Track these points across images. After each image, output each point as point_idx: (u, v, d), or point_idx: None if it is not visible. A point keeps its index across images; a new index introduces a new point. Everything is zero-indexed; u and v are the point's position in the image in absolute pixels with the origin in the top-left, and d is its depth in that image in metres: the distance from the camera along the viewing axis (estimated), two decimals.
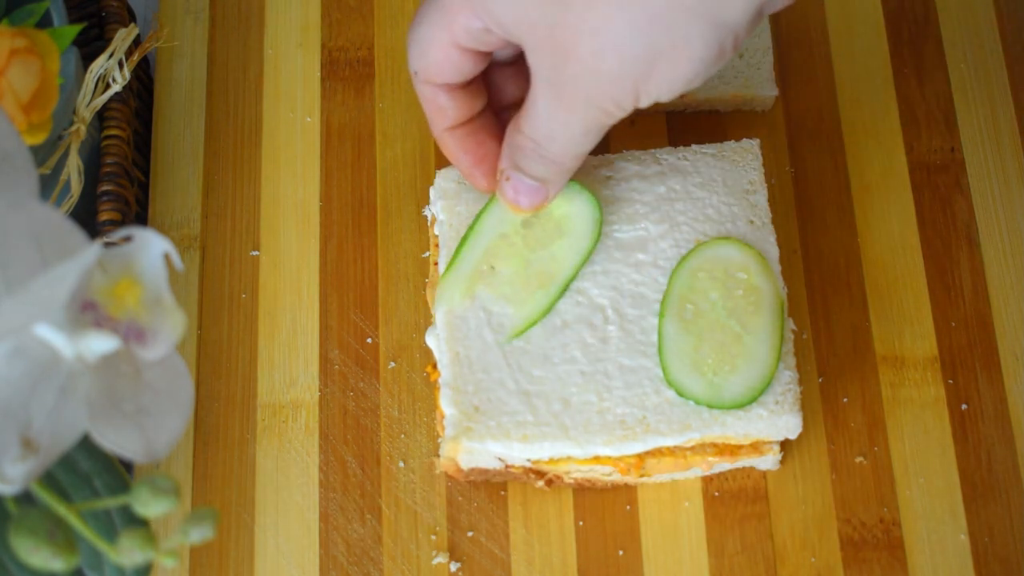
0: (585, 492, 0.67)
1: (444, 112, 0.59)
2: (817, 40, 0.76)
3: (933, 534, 0.65)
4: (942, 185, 0.73)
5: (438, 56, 0.55)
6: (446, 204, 0.66)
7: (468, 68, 0.56)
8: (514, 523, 0.66)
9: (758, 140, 0.67)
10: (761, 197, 0.65)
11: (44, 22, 0.69)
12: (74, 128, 0.69)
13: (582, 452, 0.61)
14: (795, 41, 0.76)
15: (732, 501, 0.66)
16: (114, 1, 0.74)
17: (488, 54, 0.56)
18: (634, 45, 0.49)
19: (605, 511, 0.66)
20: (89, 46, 0.75)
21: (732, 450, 0.63)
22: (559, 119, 0.54)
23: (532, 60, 0.52)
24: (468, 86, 0.58)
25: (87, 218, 0.70)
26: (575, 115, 0.53)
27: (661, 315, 0.62)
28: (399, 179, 0.74)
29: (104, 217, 0.70)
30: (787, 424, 0.61)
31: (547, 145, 0.56)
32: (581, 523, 0.66)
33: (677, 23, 0.48)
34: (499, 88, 0.61)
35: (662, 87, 0.50)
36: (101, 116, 0.71)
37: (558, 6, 0.49)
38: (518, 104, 0.58)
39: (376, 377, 0.70)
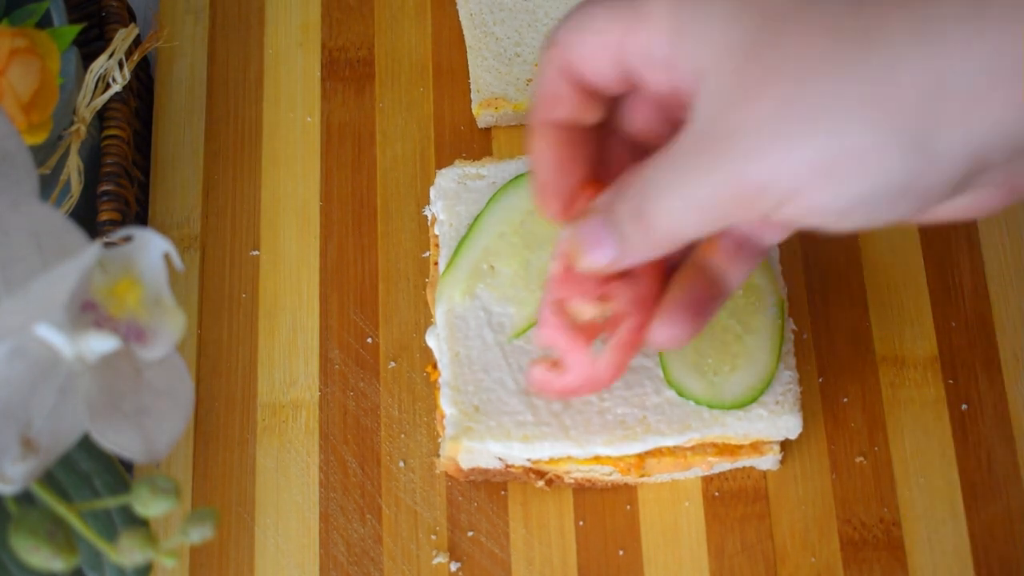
0: (585, 492, 0.67)
1: (557, 101, 0.48)
2: None
3: (933, 534, 0.65)
4: None
5: (595, 54, 0.46)
6: (446, 204, 0.66)
7: (614, 83, 0.47)
8: (514, 523, 0.66)
9: None
10: None
11: (44, 22, 0.69)
12: (74, 128, 0.69)
13: (582, 452, 0.61)
14: None
15: (732, 501, 0.66)
16: (114, 1, 0.74)
17: (640, 85, 0.47)
18: (828, 118, 0.39)
19: (605, 511, 0.66)
20: (89, 46, 0.75)
21: (732, 450, 0.63)
22: (684, 174, 0.43)
23: (698, 104, 0.42)
24: (595, 92, 0.48)
25: (87, 218, 0.70)
26: (703, 180, 0.42)
27: None
28: (399, 179, 0.74)
29: (104, 217, 0.70)
30: (787, 424, 0.61)
31: (654, 199, 0.44)
32: (581, 523, 0.66)
33: (887, 120, 0.38)
34: (626, 113, 0.50)
35: (823, 195, 0.40)
36: (101, 116, 0.71)
37: (768, 35, 0.40)
38: (629, 145, 0.50)
39: (376, 377, 0.70)
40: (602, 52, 0.45)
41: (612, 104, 0.48)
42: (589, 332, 0.54)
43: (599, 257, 0.48)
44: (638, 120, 0.49)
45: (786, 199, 0.41)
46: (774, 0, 0.40)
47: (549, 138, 0.49)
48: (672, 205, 0.44)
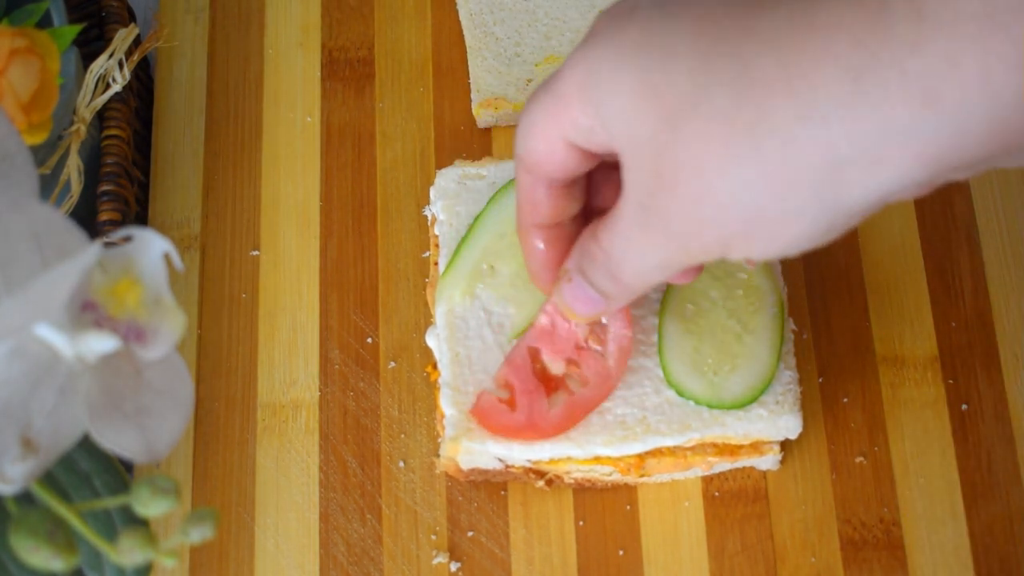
0: (585, 492, 0.67)
1: (537, 208, 0.53)
2: None
3: (933, 534, 0.65)
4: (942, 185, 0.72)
5: (544, 146, 0.50)
6: (446, 204, 0.66)
7: (572, 165, 0.51)
8: (514, 523, 0.66)
9: None
10: None
11: (44, 22, 0.69)
12: (74, 128, 0.69)
13: (582, 452, 0.61)
14: None
15: (732, 501, 0.66)
16: (114, 1, 0.74)
17: (596, 155, 0.51)
18: (739, 202, 0.44)
19: (605, 511, 0.66)
20: (89, 46, 0.75)
21: (732, 450, 0.63)
22: (638, 244, 0.49)
23: (627, 177, 0.47)
24: (569, 186, 0.53)
25: (87, 218, 0.70)
26: (655, 246, 0.48)
27: (661, 315, 0.62)
28: (399, 179, 0.74)
29: (104, 217, 0.70)
30: (787, 424, 0.61)
31: (619, 264, 0.50)
32: (581, 523, 0.66)
33: (792, 194, 0.43)
34: (596, 189, 0.55)
35: (755, 249, 0.46)
36: (101, 116, 0.71)
37: (671, 133, 0.44)
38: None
39: (376, 377, 0.70)
40: (550, 145, 0.50)
41: (589, 158, 0.51)
42: (550, 384, 0.60)
43: (589, 310, 0.55)
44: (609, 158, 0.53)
45: (727, 251, 0.46)
46: (667, 95, 0.44)
47: (539, 238, 0.55)
48: (636, 267, 0.50)
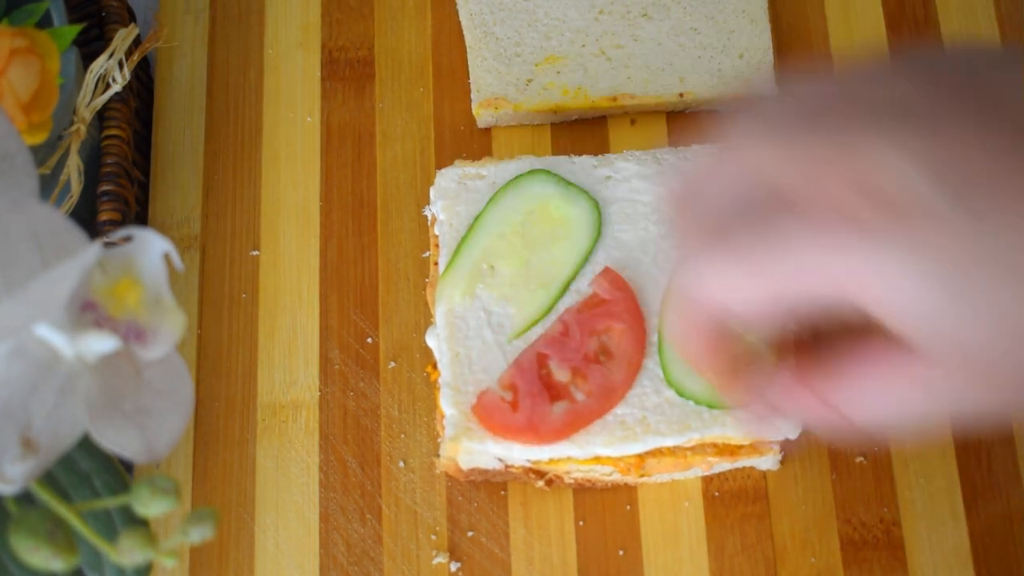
0: (585, 492, 0.67)
1: (709, 328, 0.49)
2: (817, 40, 0.76)
3: (933, 534, 0.65)
4: None
5: (744, 306, 0.45)
6: (446, 204, 0.66)
7: (771, 317, 0.46)
8: (514, 523, 0.66)
9: None
10: None
11: (44, 22, 0.69)
12: (74, 128, 0.69)
13: (582, 452, 0.61)
14: (795, 41, 0.76)
15: (732, 501, 0.66)
16: (114, 1, 0.74)
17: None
18: None
19: (605, 511, 0.66)
20: (89, 46, 0.75)
21: (732, 450, 0.63)
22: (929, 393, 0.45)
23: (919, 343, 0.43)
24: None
25: (87, 218, 0.70)
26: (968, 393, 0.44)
27: (661, 315, 0.62)
28: (399, 179, 0.74)
29: (104, 217, 0.70)
30: (787, 424, 0.61)
31: (871, 407, 0.46)
32: (581, 523, 0.66)
33: None
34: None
35: None
36: (101, 116, 0.71)
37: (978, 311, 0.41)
38: None
39: (376, 377, 0.70)
40: (760, 303, 0.45)
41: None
42: (554, 391, 0.61)
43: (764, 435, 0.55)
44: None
45: None
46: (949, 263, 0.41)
47: (704, 339, 0.49)
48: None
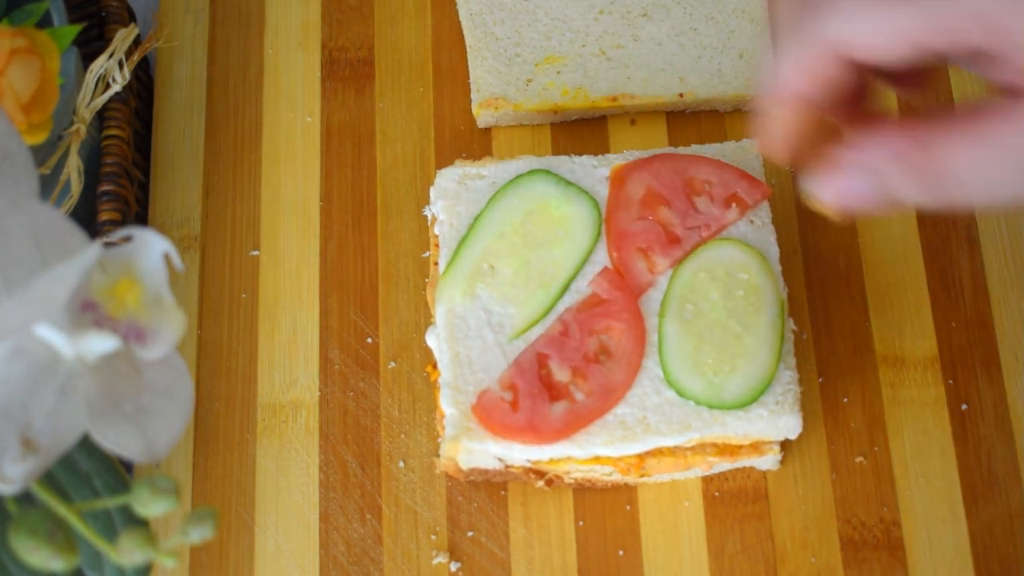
0: (585, 492, 0.67)
1: (815, 78, 0.47)
2: None
3: (933, 534, 0.65)
4: None
5: (877, 37, 0.44)
6: (446, 204, 0.66)
7: (896, 60, 0.45)
8: (514, 523, 0.66)
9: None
10: None
11: (44, 22, 0.69)
12: (74, 128, 0.69)
13: (582, 452, 0.61)
14: None
15: (732, 501, 0.66)
16: (114, 1, 0.74)
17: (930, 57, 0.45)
18: None
19: (605, 511, 0.66)
20: (89, 46, 0.75)
21: (732, 450, 0.63)
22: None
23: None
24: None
25: (87, 218, 0.70)
26: None
27: (661, 315, 0.62)
28: (399, 179, 0.74)
29: (104, 217, 0.70)
30: (787, 424, 0.61)
31: (964, 177, 0.45)
32: (581, 523, 0.66)
33: None
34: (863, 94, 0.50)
35: None
36: (101, 116, 0.71)
37: None
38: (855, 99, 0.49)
39: (376, 377, 0.70)
40: (894, 36, 0.44)
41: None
42: (554, 391, 0.61)
43: (850, 204, 0.48)
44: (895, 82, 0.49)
45: None
46: None
47: (792, 108, 0.48)
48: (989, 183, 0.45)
